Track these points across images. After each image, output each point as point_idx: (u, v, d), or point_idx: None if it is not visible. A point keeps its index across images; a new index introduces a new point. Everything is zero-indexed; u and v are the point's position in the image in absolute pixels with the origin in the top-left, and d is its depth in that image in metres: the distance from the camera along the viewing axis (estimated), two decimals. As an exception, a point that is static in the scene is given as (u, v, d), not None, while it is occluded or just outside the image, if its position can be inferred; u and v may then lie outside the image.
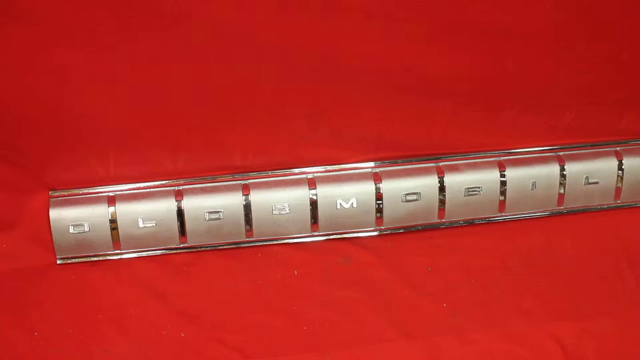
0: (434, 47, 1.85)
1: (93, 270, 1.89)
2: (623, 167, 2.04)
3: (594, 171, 2.03)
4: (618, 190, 2.06)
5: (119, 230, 1.87)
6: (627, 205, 2.08)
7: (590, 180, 2.03)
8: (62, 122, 1.81)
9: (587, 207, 2.07)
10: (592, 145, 2.07)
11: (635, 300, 1.87)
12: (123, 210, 1.86)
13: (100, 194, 1.89)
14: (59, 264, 1.88)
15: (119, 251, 1.89)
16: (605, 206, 2.08)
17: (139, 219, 1.87)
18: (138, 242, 1.89)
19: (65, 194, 1.88)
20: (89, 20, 1.68)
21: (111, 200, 1.87)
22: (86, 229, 1.85)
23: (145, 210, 1.87)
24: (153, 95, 1.81)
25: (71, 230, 1.85)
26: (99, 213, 1.86)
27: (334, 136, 1.96)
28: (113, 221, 1.86)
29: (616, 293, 1.89)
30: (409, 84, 1.90)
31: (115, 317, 1.79)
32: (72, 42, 1.70)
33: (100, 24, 1.68)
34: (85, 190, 1.89)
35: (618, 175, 2.04)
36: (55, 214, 1.85)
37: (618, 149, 2.06)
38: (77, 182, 1.89)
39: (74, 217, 1.85)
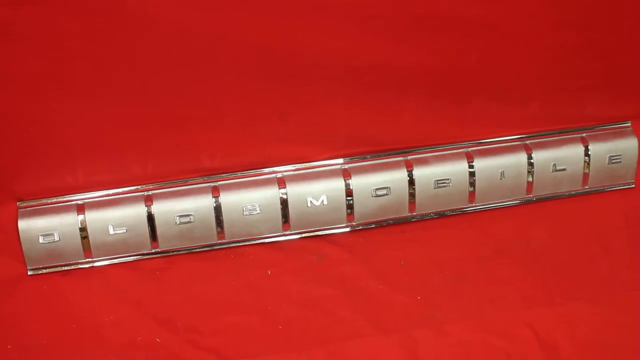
0: (400, 42, 1.86)
1: (65, 279, 1.87)
2: (589, 153, 2.06)
3: (561, 158, 2.05)
4: (585, 176, 2.07)
5: (90, 238, 1.86)
6: (595, 190, 2.10)
7: (557, 168, 2.05)
8: (28, 132, 1.79)
9: (556, 194, 2.08)
10: (559, 133, 2.08)
11: (608, 284, 1.88)
12: (93, 217, 1.85)
13: (69, 203, 1.87)
14: (30, 275, 1.87)
15: (90, 259, 1.88)
16: (574, 192, 2.09)
17: (109, 226, 1.86)
18: (109, 249, 1.88)
19: (34, 203, 1.87)
20: (53, 29, 1.67)
21: (80, 209, 1.86)
22: (56, 238, 1.84)
23: (115, 217, 1.86)
24: (119, 100, 1.80)
25: (41, 240, 1.84)
26: (68, 222, 1.85)
27: (302, 134, 1.96)
28: (83, 229, 1.85)
29: (588, 278, 1.90)
30: (376, 79, 1.91)
31: (89, 326, 1.79)
32: (38, 51, 1.69)
33: (65, 32, 1.67)
34: (54, 200, 1.87)
35: (585, 161, 2.06)
36: (24, 224, 1.83)
37: (584, 135, 2.08)
38: (45, 191, 1.88)
39: (43, 227, 1.84)
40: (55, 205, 1.87)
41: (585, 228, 2.03)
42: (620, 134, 2.10)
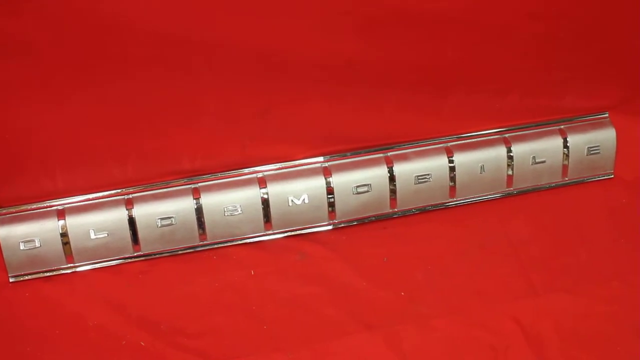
0: (375, 38, 1.86)
1: (47, 285, 1.86)
2: (568, 144, 2.07)
3: (540, 151, 2.06)
4: (565, 168, 2.09)
5: (71, 243, 1.85)
6: (574, 182, 2.11)
7: (537, 160, 2.06)
8: (5, 138, 1.78)
9: (536, 186, 2.09)
10: (537, 125, 2.09)
11: (589, 274, 1.90)
12: (73, 223, 1.85)
13: (49, 209, 1.86)
14: (12, 282, 1.86)
15: (72, 264, 1.87)
16: (554, 184, 2.11)
17: (91, 231, 1.85)
18: (91, 253, 1.87)
19: (13, 210, 1.86)
20: (27, 35, 1.66)
21: (61, 214, 1.85)
22: (37, 244, 1.83)
23: (96, 222, 1.86)
24: (96, 103, 1.79)
25: (22, 247, 1.83)
26: (49, 227, 1.84)
27: (282, 133, 1.96)
28: (64, 235, 1.84)
29: (570, 269, 1.91)
30: (353, 76, 1.91)
31: (73, 331, 1.78)
32: (13, 57, 1.68)
33: (39, 38, 1.67)
34: (34, 206, 1.86)
35: (564, 153, 2.07)
36: (4, 231, 1.82)
37: (562, 127, 2.09)
38: (25, 197, 1.87)
39: (24, 234, 1.83)
40: (35, 211, 1.86)
41: (566, 219, 2.04)
42: (598, 125, 2.11)
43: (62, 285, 1.87)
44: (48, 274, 1.87)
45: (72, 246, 1.85)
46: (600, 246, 1.96)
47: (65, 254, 1.86)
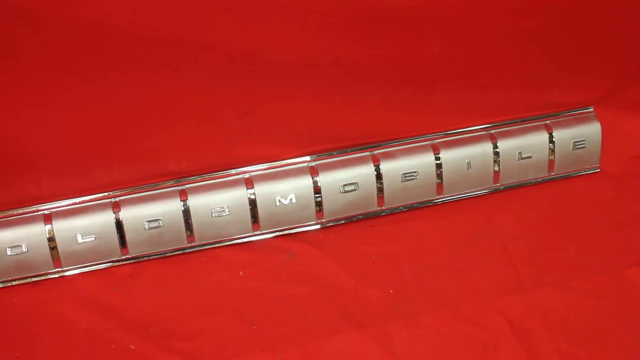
0: (360, 37, 1.86)
1: (36, 290, 1.86)
2: (554, 139, 2.08)
3: (526, 146, 2.06)
4: (551, 163, 2.09)
5: (58, 247, 1.84)
6: (561, 176, 2.12)
7: (523, 155, 2.06)
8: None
9: (523, 181, 2.10)
10: (523, 121, 2.10)
11: (576, 268, 1.90)
12: (60, 227, 1.84)
13: (35, 213, 1.86)
14: (0, 288, 1.85)
15: (60, 269, 1.87)
16: (540, 179, 2.11)
17: (78, 235, 1.85)
18: (79, 257, 1.87)
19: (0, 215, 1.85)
20: (10, 39, 1.65)
21: (47, 218, 1.84)
22: (24, 249, 1.82)
23: (83, 225, 1.85)
24: (81, 107, 1.79)
25: (9, 252, 1.82)
26: (36, 232, 1.83)
27: (268, 134, 1.95)
28: (51, 239, 1.84)
29: (558, 263, 1.92)
30: (339, 75, 1.91)
31: (62, 336, 1.77)
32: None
33: (22, 42, 1.66)
34: (20, 211, 1.86)
35: (550, 148, 2.08)
36: (-10, 237, 1.82)
37: (548, 122, 2.10)
38: (11, 202, 1.86)
39: (11, 239, 1.82)
40: (22, 216, 1.85)
41: (553, 214, 2.04)
42: (584, 120, 2.12)
43: (50, 290, 1.86)
44: (36, 279, 1.87)
45: (59, 250, 1.85)
46: (587, 240, 1.97)
47: (52, 258, 1.85)
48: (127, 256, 1.90)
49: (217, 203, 1.90)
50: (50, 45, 1.68)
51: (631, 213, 2.04)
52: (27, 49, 1.67)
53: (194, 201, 1.89)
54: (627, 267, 1.89)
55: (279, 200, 1.93)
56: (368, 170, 1.98)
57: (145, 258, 1.91)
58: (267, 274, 1.90)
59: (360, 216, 2.01)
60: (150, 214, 1.87)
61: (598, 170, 2.14)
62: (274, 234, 1.97)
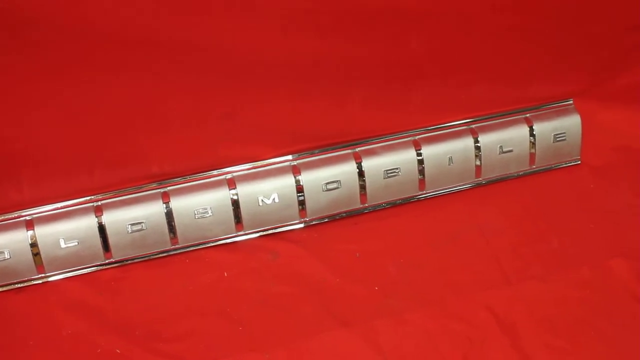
0: (340, 35, 1.86)
1: (19, 297, 1.85)
2: (534, 132, 2.08)
3: (507, 140, 2.07)
4: (532, 156, 2.10)
5: (41, 253, 1.83)
6: (542, 169, 2.13)
7: (504, 149, 2.07)
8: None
9: (505, 175, 2.11)
10: (503, 115, 2.10)
11: (559, 260, 1.91)
12: (43, 232, 1.83)
13: (17, 219, 1.85)
14: (-17, 295, 1.85)
15: (43, 274, 1.86)
16: (522, 172, 2.12)
17: (60, 240, 1.84)
18: (62, 263, 1.86)
19: (-19, 222, 1.85)
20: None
21: (29, 224, 1.83)
22: (7, 256, 1.81)
23: (66, 230, 1.84)
24: (62, 110, 1.78)
25: (-9, 259, 1.82)
26: (18, 238, 1.82)
27: (249, 134, 1.95)
28: (34, 245, 1.83)
29: (541, 256, 1.93)
30: (318, 74, 1.91)
31: (47, 342, 1.76)
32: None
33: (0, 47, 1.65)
34: (2, 217, 1.85)
35: (530, 142, 2.09)
36: (-28, 244, 1.81)
37: (528, 115, 2.11)
38: (-8, 209, 1.85)
39: (-7, 246, 1.82)
40: (3, 222, 1.84)
41: (535, 207, 2.05)
42: (563, 112, 2.13)
43: (34, 296, 1.85)
44: (19, 285, 1.86)
45: (42, 256, 1.84)
46: (570, 232, 1.98)
47: (35, 264, 1.84)
48: (111, 260, 1.89)
49: (200, 204, 1.90)
50: (29, 49, 1.67)
51: (612, 204, 2.05)
52: (6, 52, 1.66)
53: (176, 203, 1.89)
54: (610, 258, 1.90)
55: (262, 200, 1.93)
56: (350, 167, 1.98)
57: (129, 261, 1.90)
58: (252, 274, 1.90)
59: (344, 214, 2.02)
60: (133, 217, 1.87)
61: (579, 162, 2.15)
62: (257, 234, 1.97)
